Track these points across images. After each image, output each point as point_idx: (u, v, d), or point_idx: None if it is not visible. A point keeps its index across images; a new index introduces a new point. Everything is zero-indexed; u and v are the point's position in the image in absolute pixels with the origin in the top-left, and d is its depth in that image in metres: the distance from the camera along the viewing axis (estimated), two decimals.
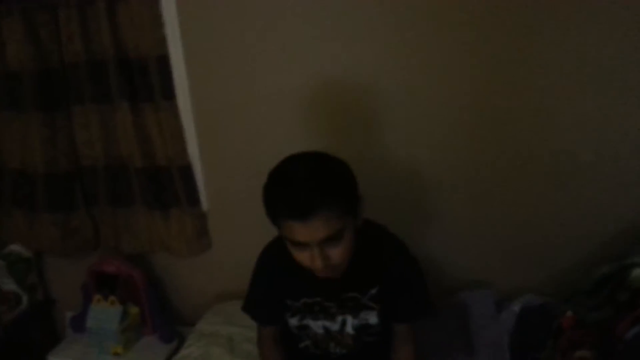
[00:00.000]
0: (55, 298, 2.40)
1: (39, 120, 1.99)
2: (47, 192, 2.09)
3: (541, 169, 1.75)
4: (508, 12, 1.60)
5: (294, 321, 1.37)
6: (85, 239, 2.14)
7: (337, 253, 1.13)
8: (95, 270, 2.10)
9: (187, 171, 1.97)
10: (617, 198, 1.71)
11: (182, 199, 2.01)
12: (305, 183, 1.09)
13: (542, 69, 1.64)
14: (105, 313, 2.02)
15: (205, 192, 2.03)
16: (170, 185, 1.99)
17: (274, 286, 1.34)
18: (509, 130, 1.73)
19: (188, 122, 1.93)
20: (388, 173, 1.82)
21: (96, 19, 1.83)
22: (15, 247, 2.25)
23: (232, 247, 2.09)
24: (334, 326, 1.34)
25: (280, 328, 1.42)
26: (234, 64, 1.83)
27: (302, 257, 1.15)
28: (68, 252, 2.16)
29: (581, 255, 1.78)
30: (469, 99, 1.71)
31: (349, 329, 1.34)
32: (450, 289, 1.86)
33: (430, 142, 1.78)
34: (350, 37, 1.72)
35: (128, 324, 2.03)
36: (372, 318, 1.32)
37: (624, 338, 1.34)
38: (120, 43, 1.85)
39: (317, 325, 1.35)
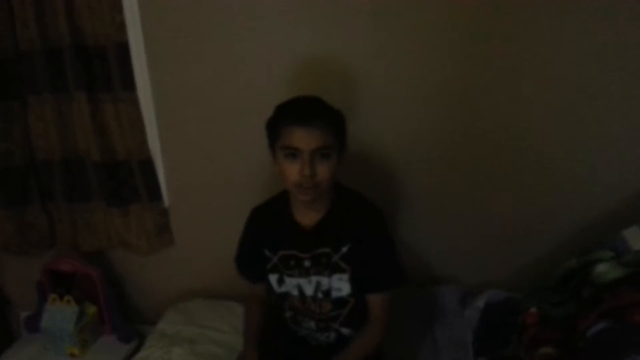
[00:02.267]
0: (10, 298, 2.29)
1: None
2: (1, 186, 1.99)
3: (508, 164, 1.74)
4: None
5: (273, 280, 1.47)
6: (41, 235, 2.05)
7: (323, 170, 1.28)
8: (50, 269, 2.02)
9: (148, 165, 1.90)
10: (583, 194, 1.72)
11: (142, 195, 1.94)
12: (310, 100, 1.32)
13: (521, 54, 1.62)
14: (61, 313, 1.94)
15: (166, 187, 1.97)
16: (130, 180, 1.92)
17: (257, 239, 1.47)
18: (478, 124, 1.71)
19: (149, 114, 1.86)
20: (357, 160, 1.79)
21: (52, 3, 1.74)
22: None
23: (195, 244, 2.03)
24: (308, 289, 1.42)
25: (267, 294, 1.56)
26: (197, 52, 1.77)
27: (292, 168, 1.28)
28: (23, 248, 2.07)
29: (546, 250, 1.79)
30: (443, 85, 1.69)
31: (320, 293, 1.41)
32: (414, 283, 1.84)
33: (400, 129, 1.76)
34: (318, 20, 1.68)
35: (85, 323, 1.95)
36: (344, 286, 1.39)
37: (586, 335, 1.33)
38: (77, 29, 1.76)
39: (292, 285, 1.44)
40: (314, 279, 1.40)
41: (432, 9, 1.60)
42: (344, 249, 1.37)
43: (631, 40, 1.56)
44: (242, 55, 1.75)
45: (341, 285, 1.39)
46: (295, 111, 1.29)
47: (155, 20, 1.76)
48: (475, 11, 1.59)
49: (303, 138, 1.25)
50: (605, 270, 1.41)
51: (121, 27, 1.75)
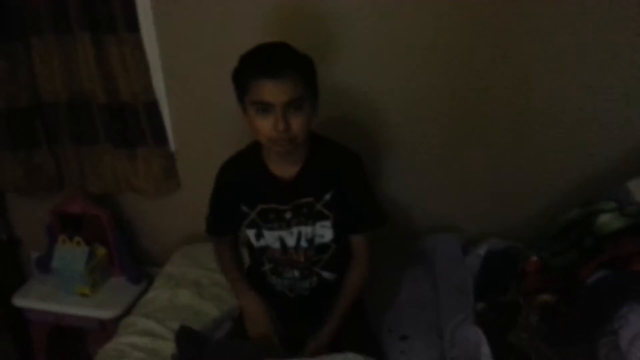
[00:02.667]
0: (20, 238, 2.34)
1: None
2: (8, 128, 1.99)
3: (509, 119, 1.72)
4: None
5: (251, 234, 1.44)
6: (49, 177, 2.07)
7: (297, 122, 1.23)
8: (59, 211, 2.05)
9: (153, 108, 1.89)
10: (586, 147, 1.71)
11: (148, 138, 1.94)
12: (278, 48, 1.25)
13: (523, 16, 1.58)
14: (71, 253, 1.99)
15: (172, 131, 1.96)
16: (135, 123, 1.92)
17: (231, 195, 1.43)
18: (478, 79, 1.68)
19: (154, 57, 1.84)
20: (348, 104, 1.78)
21: None
22: None
23: (202, 188, 2.00)
24: (290, 240, 1.41)
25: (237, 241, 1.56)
26: None
27: (265, 124, 1.23)
28: (32, 190, 2.10)
29: (548, 201, 1.79)
30: (441, 32, 1.65)
31: (303, 242, 1.40)
32: (416, 234, 1.86)
33: (396, 74, 1.72)
34: None
35: (95, 264, 2.00)
36: (327, 232, 1.39)
37: (586, 283, 1.35)
38: None
39: (273, 238, 1.42)
40: (295, 229, 1.40)
41: None
42: (327, 196, 1.37)
43: None
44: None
45: (324, 232, 1.40)
46: (263, 63, 1.21)
47: None
48: None
49: (274, 92, 1.19)
50: (608, 220, 1.42)
51: None
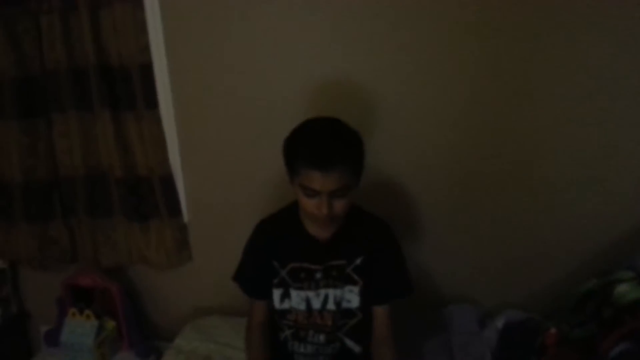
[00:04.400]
0: (30, 311, 2.32)
1: (19, 128, 1.95)
2: (25, 201, 2.03)
3: (527, 185, 1.74)
4: (509, 13, 1.59)
5: (277, 295, 1.46)
6: (62, 250, 2.09)
7: (340, 205, 1.29)
8: (70, 284, 2.05)
9: (168, 181, 1.93)
10: (603, 216, 1.71)
11: (162, 210, 1.97)
12: (330, 138, 1.27)
13: (541, 83, 1.63)
14: (80, 327, 1.97)
15: (186, 203, 2.00)
16: (150, 196, 1.95)
17: (265, 252, 1.45)
18: (496, 145, 1.72)
19: (170, 131, 1.90)
20: (374, 180, 1.80)
21: (79, 26, 1.80)
22: None
23: (213, 260, 2.04)
24: (316, 302, 1.43)
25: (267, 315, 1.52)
26: (219, 72, 1.81)
27: (311, 204, 1.29)
28: (45, 263, 2.10)
29: (566, 271, 1.77)
30: (461, 113, 1.70)
31: (330, 304, 1.42)
32: (433, 304, 1.83)
33: (417, 150, 1.77)
34: (342, 40, 1.70)
35: (104, 338, 1.97)
36: (354, 298, 1.42)
37: (609, 355, 1.31)
38: (102, 50, 1.82)
39: (299, 298, 1.44)
40: (323, 291, 1.42)
41: (453, 30, 1.63)
42: (358, 261, 1.40)
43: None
44: (262, 76, 1.78)
45: (351, 297, 1.42)
46: (316, 154, 1.24)
47: (179, 42, 1.81)
48: (495, 32, 1.61)
49: (322, 182, 1.24)
50: (626, 290, 1.40)
51: (145, 48, 1.80)
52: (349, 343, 1.46)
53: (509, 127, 1.69)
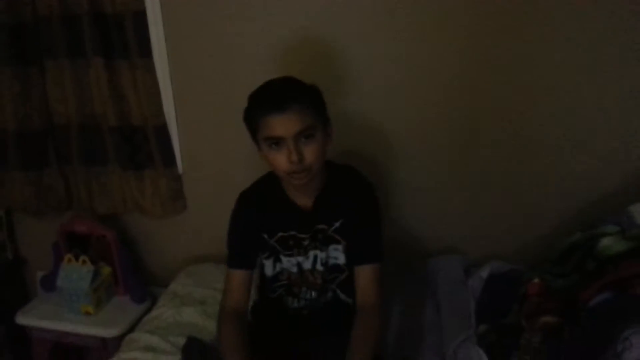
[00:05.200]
0: (26, 257, 2.36)
1: (11, 75, 1.93)
2: (19, 149, 2.04)
3: (515, 143, 1.76)
4: None
5: (268, 264, 1.46)
6: (58, 198, 2.11)
7: (310, 151, 1.25)
8: (66, 230, 2.08)
9: (162, 131, 1.94)
10: (588, 171, 1.74)
11: (156, 160, 1.98)
12: (282, 83, 1.29)
13: (540, 47, 1.64)
14: (76, 272, 2.00)
15: (180, 153, 2.01)
16: (145, 146, 1.96)
17: (252, 224, 1.43)
18: (488, 98, 1.73)
19: (164, 80, 1.90)
20: (360, 134, 1.82)
21: None
22: None
23: (207, 210, 2.07)
24: (307, 263, 1.43)
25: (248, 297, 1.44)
26: (212, 20, 1.80)
27: (279, 158, 1.26)
28: (41, 210, 2.13)
29: (551, 225, 1.81)
30: (452, 63, 1.70)
31: (319, 265, 1.43)
32: (419, 256, 1.88)
33: (406, 102, 1.77)
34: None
35: (99, 283, 2.01)
36: (339, 255, 1.42)
37: (588, 305, 1.36)
38: None
39: (290, 263, 1.44)
40: (311, 253, 1.43)
41: None
42: (337, 224, 1.40)
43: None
44: (258, 25, 1.77)
45: (337, 255, 1.43)
46: (269, 99, 1.25)
47: None
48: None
49: (282, 125, 1.22)
50: (610, 244, 1.43)
51: None
52: (342, 296, 1.48)
53: (503, 88, 1.70)
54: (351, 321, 1.35)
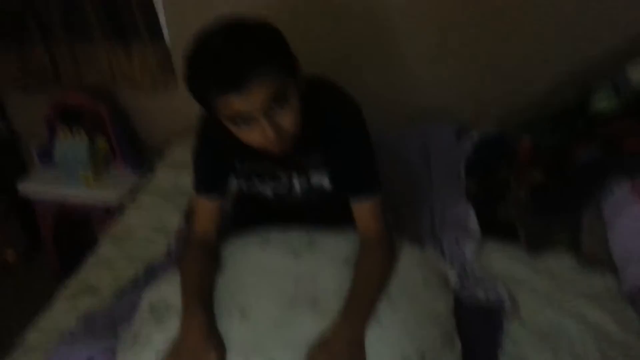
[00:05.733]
0: (20, 133, 2.36)
1: None
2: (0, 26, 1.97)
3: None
4: None
5: (242, 183, 1.29)
6: (44, 70, 2.07)
7: (286, 120, 1.02)
8: (59, 103, 2.06)
9: (146, 1, 1.86)
10: (586, 28, 1.69)
11: (142, 32, 1.91)
12: (230, 51, 0.96)
13: None
14: (72, 146, 2.03)
15: (168, 26, 1.94)
16: (129, 16, 1.88)
17: (218, 151, 1.21)
18: None
19: None
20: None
21: None
22: None
23: None
24: (283, 189, 1.27)
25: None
26: None
27: (252, 135, 1.02)
28: (27, 83, 2.10)
29: (546, 87, 1.78)
30: None
31: (296, 188, 1.25)
32: (412, 117, 1.89)
33: None
34: None
35: (97, 155, 2.04)
36: (324, 180, 1.23)
37: (576, 161, 1.42)
38: None
39: (264, 189, 1.28)
40: (286, 180, 1.25)
41: None
42: (317, 155, 1.20)
43: None
44: None
45: (321, 179, 1.24)
46: (220, 77, 0.96)
47: None
48: None
49: (246, 102, 0.96)
50: (603, 102, 1.45)
51: None
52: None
53: None
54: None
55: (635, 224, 1.28)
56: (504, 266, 1.35)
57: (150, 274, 1.38)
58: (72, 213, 2.13)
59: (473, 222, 1.44)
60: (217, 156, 1.22)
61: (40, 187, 2.08)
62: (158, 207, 1.68)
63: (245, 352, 1.00)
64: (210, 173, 1.24)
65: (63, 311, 1.32)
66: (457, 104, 1.89)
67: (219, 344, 1.01)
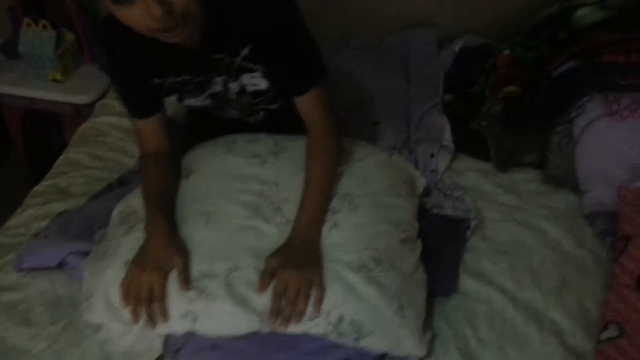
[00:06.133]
0: None
1: None
2: None
3: None
4: None
5: (173, 99, 1.19)
6: None
7: None
8: None
9: None
10: None
11: None
12: None
13: None
14: (38, 38, 1.91)
15: None
16: None
17: (134, 68, 1.10)
18: None
19: None
20: None
21: None
22: None
23: None
24: (217, 100, 1.18)
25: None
26: None
27: (134, 16, 0.86)
28: None
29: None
30: None
31: (231, 94, 1.16)
32: (392, 30, 1.83)
33: None
34: None
35: (64, 50, 1.94)
36: (260, 82, 1.12)
37: (552, 74, 1.39)
38: None
39: (198, 101, 1.19)
40: (219, 88, 1.14)
41: None
42: (245, 51, 1.07)
43: None
44: None
45: (256, 81, 1.13)
46: None
47: None
48: None
49: None
50: (585, 14, 1.40)
51: None
52: (273, 107, 1.20)
53: None
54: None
55: (602, 140, 1.29)
56: (473, 180, 1.38)
57: (124, 181, 1.37)
58: (42, 113, 2.07)
59: (447, 135, 1.44)
60: (135, 77, 1.12)
61: (6, 87, 1.99)
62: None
63: (209, 257, 1.02)
64: (134, 97, 1.16)
65: (34, 214, 1.32)
66: (438, 15, 1.81)
67: (180, 250, 1.02)
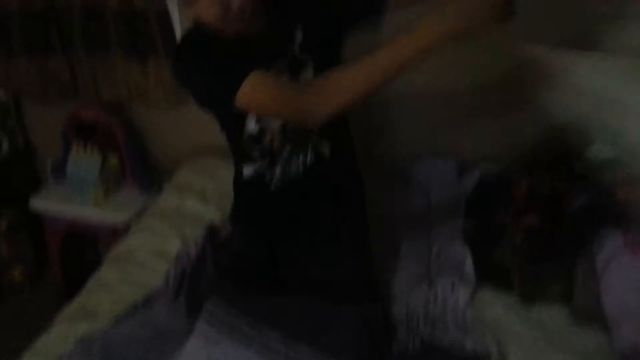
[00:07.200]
0: (35, 144, 2.42)
1: None
2: (23, 32, 2.04)
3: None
4: None
5: (250, 121, 1.21)
6: (63, 83, 2.13)
7: None
8: (74, 117, 2.11)
9: (164, 17, 1.91)
10: None
11: (159, 48, 1.96)
12: None
13: None
14: (84, 162, 2.08)
15: None
16: (147, 32, 1.94)
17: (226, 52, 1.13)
18: None
19: None
20: None
21: None
22: None
23: None
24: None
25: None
26: None
27: (205, 5, 1.02)
28: (46, 95, 2.16)
29: (544, 125, 1.74)
30: None
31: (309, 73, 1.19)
32: (413, 158, 1.87)
33: None
34: None
35: (107, 173, 2.09)
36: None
37: (570, 207, 1.42)
38: None
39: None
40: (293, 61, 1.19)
41: None
42: (299, 36, 1.18)
43: None
44: None
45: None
46: None
47: None
48: None
49: None
50: (599, 150, 1.45)
51: None
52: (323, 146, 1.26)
53: None
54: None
55: (626, 278, 1.27)
56: (497, 315, 1.35)
57: (148, 304, 1.41)
58: (81, 232, 2.17)
59: (469, 266, 1.44)
60: (225, 53, 1.11)
61: (51, 203, 2.13)
62: (160, 231, 1.71)
63: None
64: (232, 64, 1.09)
65: (61, 335, 1.35)
66: (457, 141, 1.88)
67: None
